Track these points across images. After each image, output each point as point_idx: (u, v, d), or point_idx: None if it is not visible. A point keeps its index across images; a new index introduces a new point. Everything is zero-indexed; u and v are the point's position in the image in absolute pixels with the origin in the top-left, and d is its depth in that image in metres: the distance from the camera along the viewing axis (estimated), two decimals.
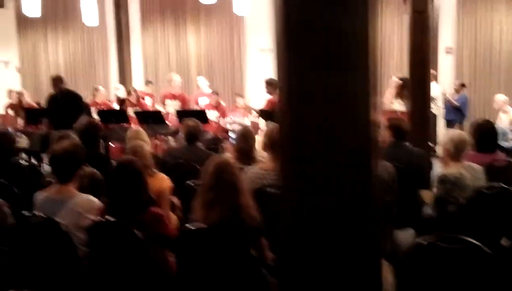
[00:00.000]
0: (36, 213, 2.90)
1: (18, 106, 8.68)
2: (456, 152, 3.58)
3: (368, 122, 1.54)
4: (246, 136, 4.39)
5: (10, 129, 8.24)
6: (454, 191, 3.46)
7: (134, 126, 6.84)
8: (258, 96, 11.32)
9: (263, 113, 7.42)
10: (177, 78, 8.86)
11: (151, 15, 12.40)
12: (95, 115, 8.38)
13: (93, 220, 2.91)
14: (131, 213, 2.69)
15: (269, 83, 8.56)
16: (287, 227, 1.61)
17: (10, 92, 9.77)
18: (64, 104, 7.37)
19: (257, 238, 2.67)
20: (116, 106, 9.24)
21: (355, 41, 1.52)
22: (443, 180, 3.50)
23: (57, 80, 7.47)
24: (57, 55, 13.36)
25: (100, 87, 9.56)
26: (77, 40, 13.13)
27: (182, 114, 7.98)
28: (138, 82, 12.39)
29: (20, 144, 7.07)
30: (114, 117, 8.02)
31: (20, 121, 8.43)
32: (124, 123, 8.17)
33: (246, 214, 2.56)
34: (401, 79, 7.61)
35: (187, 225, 2.62)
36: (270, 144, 3.55)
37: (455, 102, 9.15)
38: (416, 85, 6.42)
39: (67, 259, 2.86)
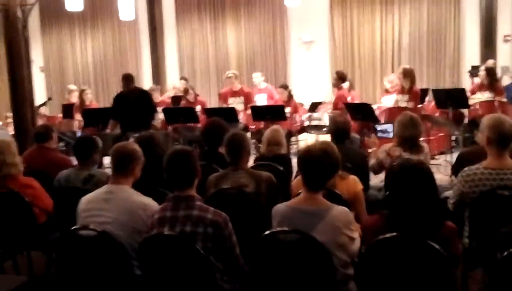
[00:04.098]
0: (286, 228, 2.39)
1: (79, 106, 8.04)
2: None
3: None
4: (412, 122, 4.04)
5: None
6: None
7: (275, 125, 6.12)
8: (303, 91, 10.90)
9: (348, 107, 6.91)
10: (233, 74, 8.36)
11: (187, 9, 11.83)
12: (160, 115, 7.82)
13: (351, 236, 2.43)
14: (424, 228, 2.20)
15: (341, 77, 8.12)
16: None
17: (70, 91, 9.11)
18: (135, 104, 6.81)
19: None
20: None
21: None
22: None
23: (127, 79, 6.91)
24: (86, 53, 12.68)
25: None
26: (107, 37, 12.49)
27: (257, 111, 7.48)
28: (173, 80, 11.81)
29: None
30: (182, 116, 7.46)
31: (76, 124, 7.79)
32: (192, 123, 7.65)
33: None
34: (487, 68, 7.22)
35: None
36: (497, 138, 3.08)
37: None
38: None
39: (325, 282, 2.37)
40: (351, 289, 2.52)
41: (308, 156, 2.47)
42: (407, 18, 10.51)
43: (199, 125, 7.78)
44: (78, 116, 8.37)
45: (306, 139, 8.66)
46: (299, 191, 3.23)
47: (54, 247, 3.80)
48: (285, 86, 8.09)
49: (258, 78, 9.02)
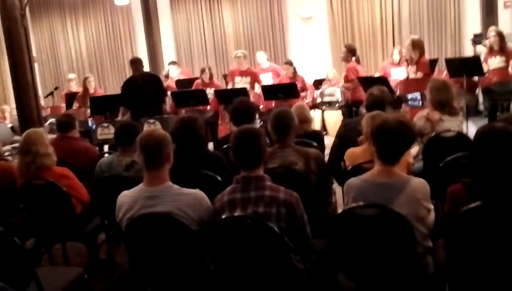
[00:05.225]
0: (362, 203, 2.31)
1: (83, 95, 7.86)
2: None
3: None
4: (445, 85, 4.10)
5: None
6: None
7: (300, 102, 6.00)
8: (303, 68, 10.76)
9: (363, 81, 6.84)
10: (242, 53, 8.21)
11: None
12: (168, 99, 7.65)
13: (428, 208, 2.36)
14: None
15: (350, 50, 8.00)
16: None
17: (69, 80, 8.90)
18: (145, 89, 6.64)
19: None
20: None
21: None
22: None
23: (136, 62, 6.73)
24: (79, 40, 12.40)
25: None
26: (100, 23, 12.20)
27: (268, 90, 7.37)
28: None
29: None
30: (192, 99, 7.32)
31: (86, 112, 7.58)
32: (202, 105, 7.52)
33: None
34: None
35: None
36: None
37: None
38: None
39: (406, 256, 2.31)
40: (429, 262, 2.47)
41: (385, 128, 2.37)
42: None
43: (208, 108, 7.68)
44: (76, 105, 8.18)
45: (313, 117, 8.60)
46: (354, 163, 3.18)
47: (94, 236, 3.75)
48: (290, 63, 7.99)
49: (261, 57, 8.89)
